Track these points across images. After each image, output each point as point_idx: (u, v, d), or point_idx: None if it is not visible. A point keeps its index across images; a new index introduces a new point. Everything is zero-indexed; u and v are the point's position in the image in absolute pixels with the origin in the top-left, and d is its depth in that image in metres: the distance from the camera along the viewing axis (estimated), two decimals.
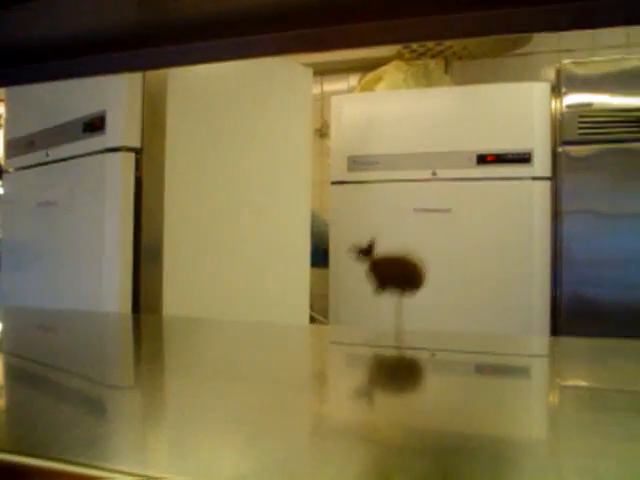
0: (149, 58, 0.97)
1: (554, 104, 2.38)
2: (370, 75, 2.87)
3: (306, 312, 2.10)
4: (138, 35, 0.92)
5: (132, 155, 1.65)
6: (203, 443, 0.47)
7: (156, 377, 0.75)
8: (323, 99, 3.16)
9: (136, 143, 1.65)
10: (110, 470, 0.39)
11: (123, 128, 1.65)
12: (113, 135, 1.66)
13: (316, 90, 3.16)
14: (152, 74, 1.65)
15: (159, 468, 0.41)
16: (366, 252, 1.19)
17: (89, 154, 1.73)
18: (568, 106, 2.32)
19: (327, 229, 2.61)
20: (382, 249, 1.21)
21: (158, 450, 0.47)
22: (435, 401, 0.63)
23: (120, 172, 1.63)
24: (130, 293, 1.62)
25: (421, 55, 2.87)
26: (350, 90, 3.22)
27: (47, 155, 1.92)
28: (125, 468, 0.39)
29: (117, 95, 1.66)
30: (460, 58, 2.98)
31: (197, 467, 0.41)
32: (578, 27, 0.58)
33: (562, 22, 0.56)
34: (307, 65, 2.21)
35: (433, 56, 2.88)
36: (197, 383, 0.68)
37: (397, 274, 1.16)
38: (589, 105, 2.29)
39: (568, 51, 2.78)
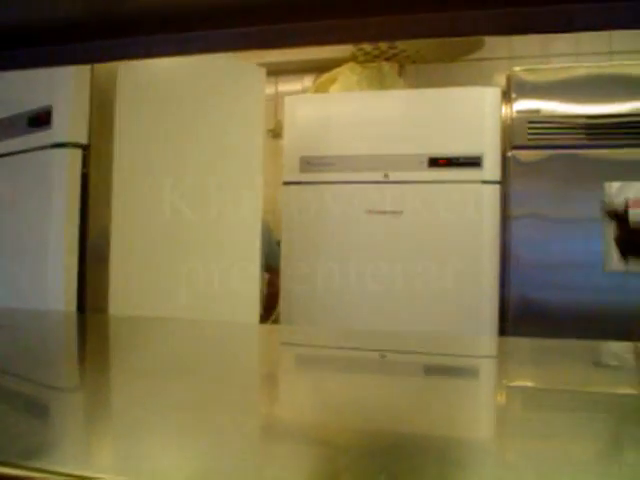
0: (98, 51, 0.96)
1: (504, 109, 2.42)
2: (324, 76, 2.88)
3: (256, 312, 2.09)
4: (87, 27, 0.90)
5: (79, 151, 1.61)
6: (145, 443, 0.46)
7: (100, 377, 0.73)
8: (277, 99, 3.15)
9: (83, 139, 1.62)
10: (45, 471, 0.37)
11: (70, 123, 1.61)
12: (59, 130, 1.62)
13: (270, 90, 3.15)
14: (101, 69, 1.62)
15: (99, 468, 0.40)
16: (620, 216, 1.14)
17: (34, 149, 1.69)
18: (518, 112, 2.37)
19: (278, 249, 2.60)
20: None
21: (98, 450, 0.46)
22: (383, 402, 0.63)
23: (66, 168, 1.60)
24: (75, 291, 1.58)
25: (375, 58, 2.89)
26: (304, 91, 3.22)
27: None
28: (62, 469, 0.38)
29: (64, 89, 1.62)
30: (414, 62, 3.01)
31: (139, 467, 0.40)
32: (518, 32, 0.59)
33: (503, 27, 0.57)
34: (261, 65, 2.20)
35: (387, 59, 2.91)
36: (143, 383, 0.67)
37: None
38: (538, 111, 2.34)
39: (520, 58, 2.84)
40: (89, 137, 1.62)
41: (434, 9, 0.71)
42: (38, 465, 0.38)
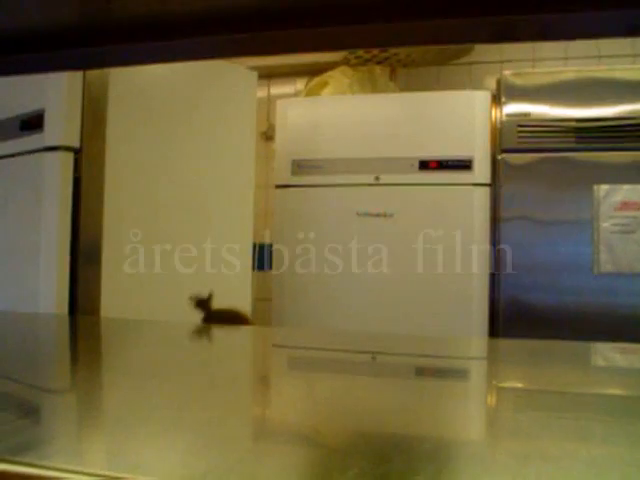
0: (89, 58, 0.96)
1: (494, 113, 2.43)
2: (316, 80, 2.89)
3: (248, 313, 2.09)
4: (78, 34, 0.90)
5: (71, 155, 1.62)
6: (144, 442, 0.46)
7: (93, 379, 0.74)
8: (270, 102, 3.16)
9: (75, 143, 1.62)
10: (48, 468, 0.38)
11: (62, 127, 1.62)
12: (52, 134, 1.63)
13: (263, 93, 3.15)
14: (93, 73, 1.63)
15: (98, 465, 0.41)
16: (204, 303, 1.34)
17: (26, 153, 1.70)
18: (507, 115, 2.38)
19: None
20: (218, 303, 1.37)
21: (98, 448, 0.47)
22: (375, 403, 0.64)
23: (58, 172, 1.61)
24: (67, 294, 1.59)
25: (367, 61, 2.90)
26: (297, 94, 3.22)
27: None
28: (65, 465, 0.39)
29: (57, 94, 1.63)
30: (405, 65, 3.02)
31: (138, 465, 0.41)
32: (499, 40, 0.60)
33: (483, 35, 0.58)
34: (253, 68, 2.20)
35: (379, 62, 2.92)
36: (135, 385, 0.68)
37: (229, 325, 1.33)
38: (527, 115, 2.36)
39: (509, 61, 2.86)
40: (81, 141, 1.63)
41: (425, 17, 0.72)
42: (46, 464, 0.38)
